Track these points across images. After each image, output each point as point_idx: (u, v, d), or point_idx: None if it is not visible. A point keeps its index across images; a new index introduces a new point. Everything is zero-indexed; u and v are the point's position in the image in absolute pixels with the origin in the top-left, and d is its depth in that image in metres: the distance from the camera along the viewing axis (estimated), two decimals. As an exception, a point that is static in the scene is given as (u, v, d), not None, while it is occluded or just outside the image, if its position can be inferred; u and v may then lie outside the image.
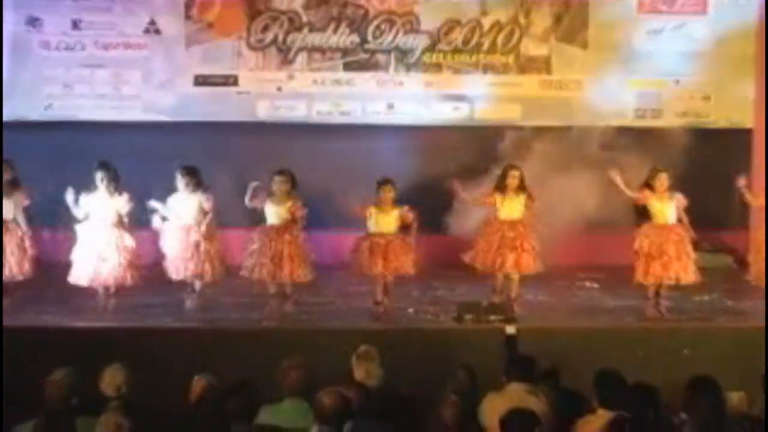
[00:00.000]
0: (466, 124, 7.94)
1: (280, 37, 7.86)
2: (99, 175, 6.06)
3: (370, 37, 7.88)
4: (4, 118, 7.60)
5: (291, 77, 7.88)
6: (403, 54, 7.89)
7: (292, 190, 6.21)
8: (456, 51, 7.89)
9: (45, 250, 6.65)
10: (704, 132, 7.82)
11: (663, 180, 6.21)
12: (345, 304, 6.46)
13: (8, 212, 6.21)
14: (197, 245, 6.23)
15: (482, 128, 7.89)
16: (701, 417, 3.70)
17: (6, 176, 6.24)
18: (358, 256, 6.24)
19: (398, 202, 6.32)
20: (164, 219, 6.27)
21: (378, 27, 7.87)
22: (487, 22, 7.86)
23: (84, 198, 6.06)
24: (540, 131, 7.62)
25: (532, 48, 7.89)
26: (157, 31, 7.79)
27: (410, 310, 6.31)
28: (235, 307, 6.28)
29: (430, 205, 6.98)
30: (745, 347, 5.46)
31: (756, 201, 6.43)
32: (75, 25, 7.75)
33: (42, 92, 7.77)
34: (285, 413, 3.83)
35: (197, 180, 6.25)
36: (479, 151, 7.57)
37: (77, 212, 6.07)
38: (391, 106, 7.94)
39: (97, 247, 6.07)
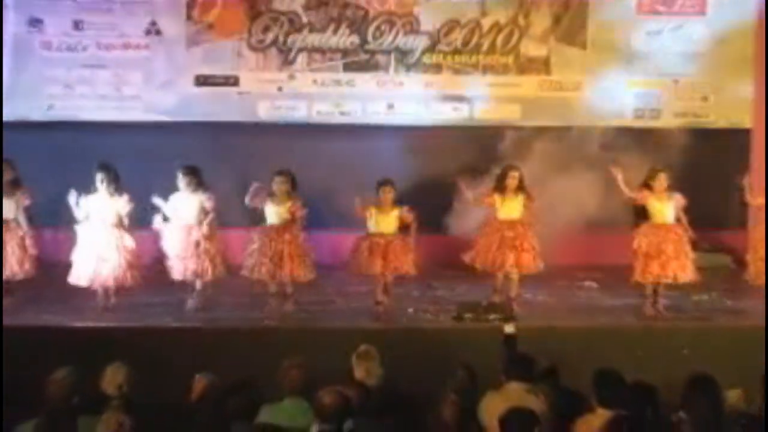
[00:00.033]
0: (466, 125, 7.95)
1: (281, 38, 7.87)
2: (99, 177, 6.07)
3: (370, 38, 7.89)
4: (6, 119, 7.62)
5: (291, 78, 7.89)
6: (403, 55, 7.90)
7: (292, 190, 6.23)
8: (456, 52, 7.89)
9: (46, 249, 6.66)
10: (703, 132, 7.82)
11: (662, 180, 6.22)
12: (345, 303, 6.48)
13: (9, 212, 6.23)
14: (197, 244, 6.24)
15: (482, 128, 7.90)
16: (700, 415, 3.71)
17: (7, 176, 6.25)
18: (358, 256, 6.26)
19: (398, 202, 6.34)
20: (165, 219, 6.29)
21: (378, 28, 7.89)
22: (486, 23, 7.87)
23: (84, 199, 6.07)
24: (539, 131, 7.63)
25: (531, 49, 7.90)
26: (158, 32, 7.81)
27: (410, 310, 6.33)
28: (235, 307, 6.30)
29: (429, 205, 7.00)
30: (743, 346, 5.48)
31: (755, 200, 6.45)
32: (76, 25, 7.76)
33: (43, 92, 7.79)
34: (285, 412, 3.84)
35: (198, 180, 6.26)
36: (479, 151, 7.58)
37: (79, 214, 6.09)
38: (391, 107, 7.95)
39: (97, 247, 6.07)
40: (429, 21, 7.85)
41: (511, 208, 6.46)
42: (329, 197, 7.14)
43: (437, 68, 7.91)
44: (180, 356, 5.23)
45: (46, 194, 6.46)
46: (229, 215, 6.60)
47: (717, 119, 7.99)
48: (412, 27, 7.88)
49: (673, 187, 6.30)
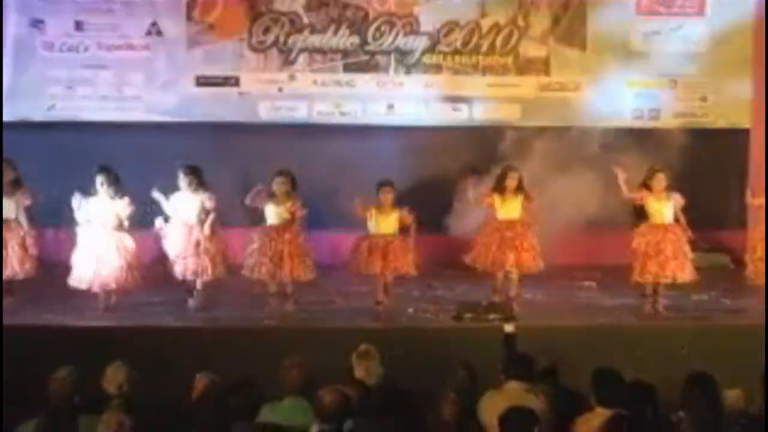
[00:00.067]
0: (466, 125, 7.96)
1: (281, 39, 7.89)
2: (99, 179, 6.06)
3: (370, 39, 7.90)
4: (8, 119, 7.65)
5: (292, 78, 7.91)
6: (403, 55, 7.91)
7: (292, 190, 6.24)
8: (455, 52, 7.91)
9: (47, 249, 6.68)
10: (702, 132, 7.83)
11: (660, 180, 6.24)
12: (345, 303, 6.49)
13: (10, 212, 6.24)
14: (198, 244, 6.25)
15: (481, 129, 7.92)
16: (699, 414, 3.72)
17: (8, 176, 6.26)
18: (357, 256, 6.27)
19: (398, 202, 6.35)
20: (166, 219, 6.30)
21: (378, 29, 7.90)
22: (486, 24, 7.89)
23: (85, 202, 6.07)
24: (539, 132, 7.64)
25: (530, 49, 7.92)
26: (159, 33, 7.83)
27: (410, 310, 6.33)
28: (236, 306, 6.31)
29: (429, 205, 7.02)
30: (742, 346, 5.48)
31: (753, 200, 6.46)
32: (78, 26, 7.79)
33: (45, 93, 7.81)
34: (286, 411, 3.85)
35: (199, 179, 6.26)
36: (478, 151, 7.59)
37: (80, 216, 6.09)
38: (391, 107, 7.97)
39: (98, 250, 6.07)
40: (429, 22, 7.87)
41: (510, 208, 6.48)
42: (329, 197, 7.15)
43: (437, 69, 7.93)
44: (180, 356, 5.23)
45: (47, 194, 6.47)
46: (230, 215, 6.61)
47: (716, 119, 8.01)
48: (412, 28, 7.89)
49: (672, 187, 6.31)
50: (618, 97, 7.95)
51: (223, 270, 6.34)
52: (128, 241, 6.16)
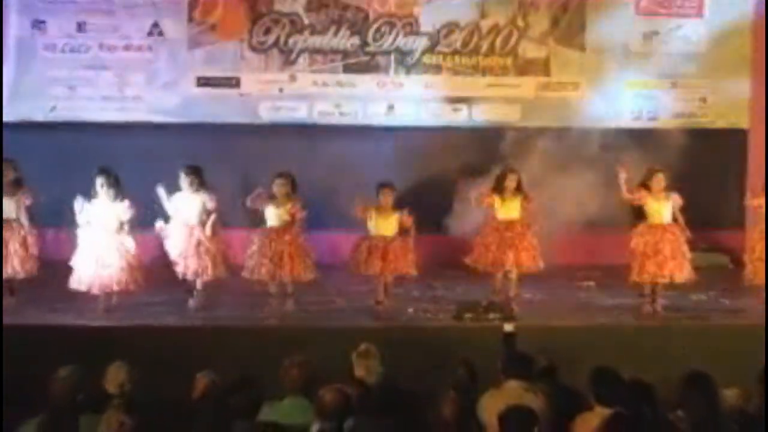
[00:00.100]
0: (466, 126, 7.99)
1: (282, 40, 7.92)
2: (99, 181, 6.07)
3: (370, 40, 7.93)
4: (10, 119, 7.68)
5: (292, 79, 7.94)
6: (403, 56, 7.94)
7: (292, 192, 6.25)
8: (455, 53, 7.94)
9: (49, 249, 6.69)
10: (701, 132, 7.85)
11: (659, 180, 6.26)
12: (345, 303, 6.50)
13: (11, 212, 6.26)
14: (199, 244, 6.27)
15: (481, 129, 7.94)
16: (697, 413, 3.72)
17: (9, 176, 6.28)
18: (357, 256, 6.29)
19: (398, 203, 6.37)
20: (167, 220, 6.32)
21: (378, 29, 7.93)
22: (485, 25, 7.92)
23: (87, 204, 6.08)
24: (538, 132, 7.67)
25: (530, 50, 7.95)
26: (161, 34, 7.86)
27: (410, 309, 6.35)
28: (236, 306, 6.32)
29: (429, 205, 7.04)
30: (741, 345, 5.49)
31: (752, 201, 6.47)
32: (79, 27, 7.82)
33: (47, 94, 7.84)
34: (286, 411, 3.84)
35: (201, 179, 6.28)
36: (478, 151, 7.62)
37: (81, 219, 6.10)
38: (391, 108, 7.99)
39: (98, 251, 6.08)
40: (429, 23, 7.89)
41: (510, 208, 6.51)
42: (329, 197, 7.17)
43: (437, 69, 7.95)
44: (181, 355, 5.22)
45: (49, 194, 6.48)
46: (231, 215, 6.63)
47: (715, 120, 8.03)
48: (412, 29, 7.92)
49: (671, 187, 6.33)
50: (617, 98, 7.98)
51: (224, 270, 6.35)
52: (128, 243, 6.17)
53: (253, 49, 7.92)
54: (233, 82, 7.92)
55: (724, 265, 7.62)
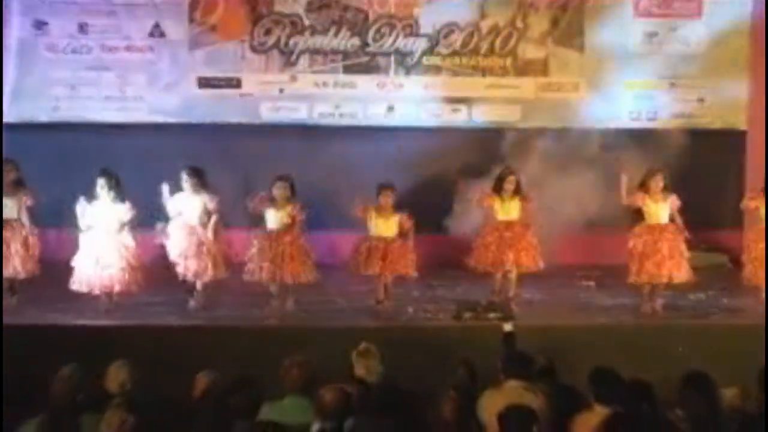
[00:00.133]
0: (465, 126, 8.00)
1: (283, 40, 7.94)
2: (100, 183, 6.09)
3: (370, 40, 7.95)
4: (13, 120, 7.72)
5: (293, 79, 7.96)
6: (402, 57, 7.96)
7: (291, 195, 6.26)
8: (455, 54, 7.95)
9: (50, 249, 6.71)
10: (699, 133, 7.86)
11: (658, 181, 6.27)
12: (345, 303, 6.52)
13: (13, 212, 6.28)
14: (200, 244, 6.29)
15: (481, 130, 7.96)
16: (696, 412, 3.73)
17: (11, 176, 6.30)
18: (357, 257, 6.31)
19: (398, 203, 6.39)
20: (167, 221, 6.33)
21: (378, 30, 7.95)
22: (485, 26, 7.93)
23: (88, 206, 6.09)
24: (538, 133, 7.69)
25: (529, 51, 7.96)
26: (162, 34, 7.88)
27: (410, 309, 6.37)
28: (237, 306, 6.33)
29: (429, 205, 7.06)
30: (739, 344, 5.51)
31: (749, 203, 6.46)
32: (81, 28, 7.84)
33: (49, 94, 7.86)
34: (286, 410, 3.84)
35: (202, 180, 6.29)
36: (478, 152, 7.64)
37: (82, 221, 6.12)
38: (391, 108, 8.01)
39: (99, 252, 6.10)
40: (428, 23, 7.91)
41: (509, 209, 6.54)
42: (330, 197, 7.19)
43: (437, 70, 7.97)
44: (182, 355, 5.24)
45: (51, 194, 6.51)
46: (231, 215, 6.64)
47: (713, 120, 8.04)
48: (412, 29, 7.93)
49: (670, 188, 6.34)
50: (616, 98, 7.99)
51: (224, 270, 6.36)
52: (129, 243, 6.19)
53: (254, 49, 7.94)
54: (234, 83, 7.94)
55: (722, 265, 7.64)
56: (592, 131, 7.72)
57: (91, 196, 6.13)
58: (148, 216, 6.30)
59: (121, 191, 6.14)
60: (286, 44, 7.94)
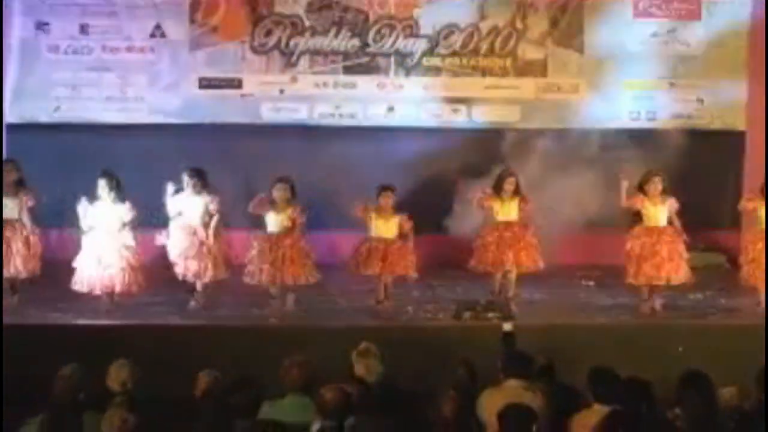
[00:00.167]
0: (465, 127, 8.01)
1: (283, 41, 7.94)
2: (101, 183, 6.11)
3: (370, 41, 7.95)
4: (14, 120, 7.74)
5: (293, 80, 7.96)
6: (402, 57, 7.96)
7: (292, 197, 6.28)
8: (455, 54, 7.95)
9: (52, 249, 6.73)
10: (698, 133, 7.86)
11: (657, 183, 6.27)
12: (345, 302, 6.53)
13: (14, 212, 6.29)
14: (201, 245, 6.31)
15: (481, 130, 7.97)
16: (694, 411, 3.74)
17: (12, 176, 6.32)
18: (356, 257, 6.32)
19: (398, 203, 6.41)
20: (166, 223, 6.35)
21: (378, 31, 7.95)
22: (485, 27, 7.93)
23: (90, 207, 6.11)
24: (538, 133, 7.70)
25: (529, 52, 7.96)
26: (163, 35, 7.89)
27: (410, 309, 6.39)
28: (237, 306, 6.34)
29: (429, 205, 7.08)
30: (737, 344, 5.54)
31: (747, 204, 6.45)
32: (82, 29, 7.84)
33: (50, 95, 7.86)
34: (287, 409, 3.86)
35: (204, 181, 6.31)
36: (478, 152, 7.66)
37: (84, 222, 6.13)
38: (391, 109, 8.01)
39: (100, 253, 6.11)
40: (428, 24, 7.91)
41: (508, 210, 6.56)
42: (330, 197, 7.21)
43: (437, 71, 7.97)
44: (183, 354, 5.26)
45: (52, 195, 6.53)
46: (232, 216, 6.66)
47: (712, 121, 8.03)
48: (412, 30, 7.94)
49: (669, 188, 6.35)
50: (615, 99, 7.99)
51: (224, 271, 6.37)
52: (130, 243, 6.21)
53: (255, 50, 7.95)
54: (235, 84, 7.94)
55: (720, 265, 7.64)
56: (592, 131, 7.73)
57: (92, 196, 6.14)
58: (149, 216, 6.32)
59: (121, 192, 6.16)
60: (287, 45, 7.95)
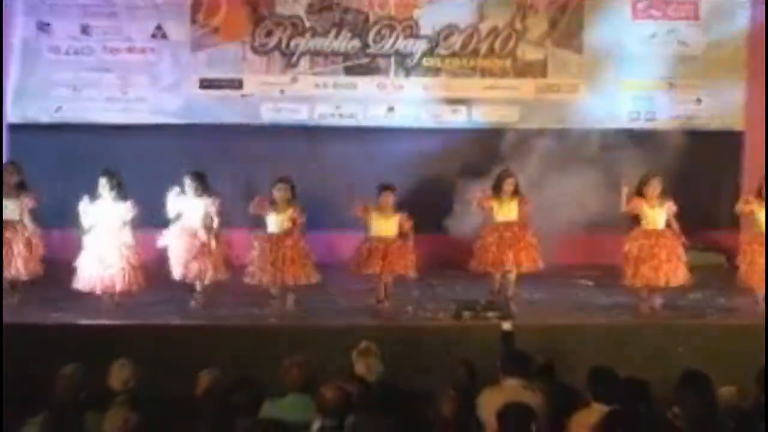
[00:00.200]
0: (465, 127, 8.03)
1: (284, 42, 7.96)
2: (102, 182, 6.13)
3: (370, 42, 7.97)
4: (15, 121, 7.76)
5: (294, 81, 7.98)
6: (402, 58, 7.97)
7: (292, 198, 6.29)
8: (454, 55, 7.97)
9: (54, 249, 6.74)
10: (697, 134, 7.87)
11: (655, 186, 6.28)
12: (345, 302, 6.55)
13: (15, 214, 6.31)
14: (202, 247, 6.31)
15: (480, 130, 7.99)
16: (693, 411, 3.75)
17: (13, 178, 6.34)
18: (357, 257, 6.34)
19: (398, 203, 6.43)
20: (167, 223, 6.37)
21: (378, 32, 7.97)
22: (484, 28, 7.94)
23: (91, 206, 6.13)
24: (537, 133, 7.72)
25: (528, 52, 7.98)
26: (164, 36, 7.91)
27: (410, 308, 6.40)
28: (238, 305, 6.35)
29: (429, 205, 7.10)
30: (736, 343, 5.55)
31: (744, 206, 6.45)
32: (84, 30, 7.86)
33: (52, 95, 7.87)
34: (288, 407, 3.87)
35: (205, 184, 6.32)
36: (478, 152, 7.67)
37: (85, 221, 6.16)
38: (391, 109, 8.03)
39: (101, 252, 6.13)
40: (428, 25, 7.92)
41: (507, 211, 6.57)
42: (330, 197, 7.23)
43: (436, 71, 7.98)
44: (184, 353, 5.28)
45: (54, 195, 6.55)
46: (232, 216, 6.68)
47: (710, 121, 8.05)
48: (412, 31, 7.95)
49: (668, 188, 6.38)
50: (614, 100, 8.00)
51: (224, 273, 6.38)
52: (131, 243, 6.23)
53: (255, 51, 7.96)
54: (235, 84, 7.96)
55: (719, 265, 7.65)
56: (591, 132, 7.74)
57: (93, 196, 6.16)
58: (149, 216, 6.34)
59: (123, 190, 6.17)
60: (287, 46, 7.97)
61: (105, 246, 6.16)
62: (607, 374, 3.94)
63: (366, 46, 7.98)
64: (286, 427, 3.49)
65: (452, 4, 7.93)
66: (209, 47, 7.92)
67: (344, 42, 7.97)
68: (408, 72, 8.00)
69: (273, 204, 6.28)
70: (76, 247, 6.27)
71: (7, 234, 6.26)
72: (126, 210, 6.18)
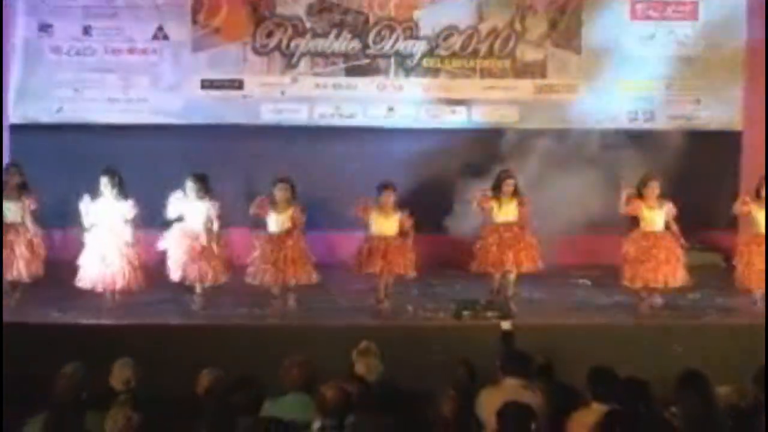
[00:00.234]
0: (465, 127, 8.04)
1: (284, 43, 7.97)
2: (104, 181, 6.15)
3: (370, 43, 7.98)
4: (17, 121, 7.77)
5: (294, 81, 7.99)
6: (402, 59, 7.98)
7: (292, 198, 6.31)
8: (454, 56, 7.98)
9: (55, 249, 6.76)
10: (696, 134, 7.88)
11: (654, 187, 6.30)
12: (346, 301, 6.56)
13: (17, 215, 6.33)
14: (202, 249, 6.32)
15: (480, 131, 8.00)
16: (692, 410, 3.76)
17: (15, 180, 6.36)
18: (358, 257, 6.36)
19: (399, 203, 6.44)
20: (167, 224, 6.39)
21: (378, 33, 7.98)
22: (484, 29, 7.96)
23: (92, 205, 6.15)
24: (536, 133, 7.73)
25: (528, 53, 7.99)
26: (165, 37, 7.92)
27: (410, 308, 6.42)
28: (238, 305, 6.37)
29: (429, 205, 7.11)
30: (734, 343, 5.57)
31: (742, 208, 6.46)
32: (85, 30, 7.87)
33: (53, 96, 7.89)
34: (288, 406, 3.88)
35: (207, 187, 6.33)
36: (477, 153, 7.69)
37: (86, 220, 6.17)
38: (391, 110, 8.04)
39: (102, 251, 6.15)
40: (428, 26, 7.93)
41: (507, 211, 6.58)
42: (330, 198, 7.24)
43: (436, 72, 7.99)
44: (185, 353, 5.30)
45: (55, 195, 6.57)
46: (233, 216, 6.69)
47: (709, 121, 8.06)
48: (412, 32, 7.96)
49: (666, 188, 6.39)
50: (613, 100, 8.00)
51: (225, 274, 6.38)
52: (132, 242, 6.24)
53: (256, 51, 7.97)
54: (236, 85, 7.97)
55: (718, 265, 7.66)
56: (590, 132, 7.74)
57: (95, 196, 6.17)
58: (150, 217, 6.35)
59: (124, 189, 6.19)
60: (288, 46, 7.98)
61: (106, 244, 6.19)
62: (607, 374, 3.95)
63: (366, 46, 7.99)
64: (287, 427, 3.50)
65: (452, 5, 7.94)
66: (210, 48, 7.93)
67: (344, 43, 7.98)
68: (408, 72, 8.01)
69: (273, 204, 6.30)
70: (78, 247, 6.29)
71: (9, 236, 6.27)
72: (127, 209, 6.20)
